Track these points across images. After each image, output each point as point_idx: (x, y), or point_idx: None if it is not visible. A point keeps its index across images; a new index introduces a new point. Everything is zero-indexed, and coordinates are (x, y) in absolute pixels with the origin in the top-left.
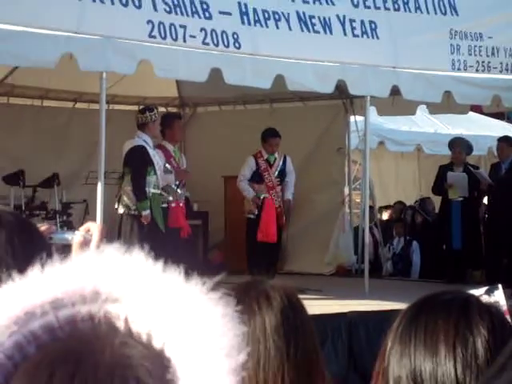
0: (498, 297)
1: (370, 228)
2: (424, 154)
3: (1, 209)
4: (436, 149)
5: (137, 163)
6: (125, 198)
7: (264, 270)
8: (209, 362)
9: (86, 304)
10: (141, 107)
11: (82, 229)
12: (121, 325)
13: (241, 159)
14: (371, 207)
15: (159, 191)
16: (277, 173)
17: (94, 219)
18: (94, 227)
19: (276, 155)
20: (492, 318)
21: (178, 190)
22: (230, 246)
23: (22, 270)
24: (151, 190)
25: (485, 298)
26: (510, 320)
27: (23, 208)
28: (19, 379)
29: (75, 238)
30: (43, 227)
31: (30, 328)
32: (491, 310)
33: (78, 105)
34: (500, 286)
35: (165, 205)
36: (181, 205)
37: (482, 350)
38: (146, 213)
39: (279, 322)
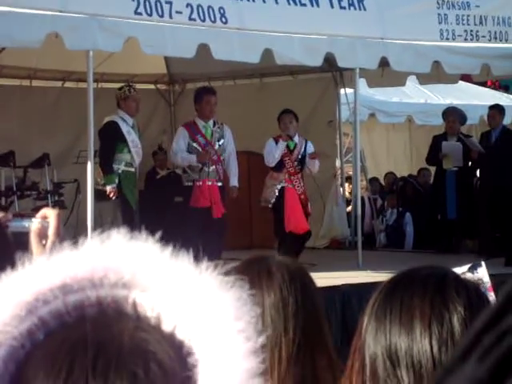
0: (482, 274)
1: (373, 199)
2: (415, 125)
3: None
4: (427, 119)
5: (105, 138)
6: (95, 174)
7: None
8: (227, 345)
9: (94, 289)
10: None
11: (39, 215)
12: (129, 309)
13: (232, 134)
14: (375, 179)
15: (133, 169)
16: (297, 159)
17: (85, 198)
18: (51, 213)
19: (296, 140)
20: (469, 295)
21: (205, 169)
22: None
23: None
24: (122, 167)
25: (468, 275)
26: (493, 297)
27: (14, 189)
28: (36, 369)
29: (32, 225)
30: None
31: (39, 314)
32: (468, 287)
33: (67, 84)
34: (483, 263)
35: (189, 183)
36: (209, 183)
37: (459, 327)
38: (111, 187)
39: (278, 298)
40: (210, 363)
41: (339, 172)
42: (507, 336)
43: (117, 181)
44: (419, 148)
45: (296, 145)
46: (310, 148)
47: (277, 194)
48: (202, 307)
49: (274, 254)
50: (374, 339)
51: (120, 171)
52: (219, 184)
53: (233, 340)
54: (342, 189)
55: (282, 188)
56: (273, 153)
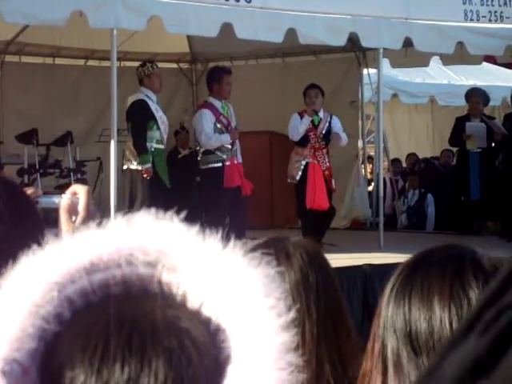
0: None
1: (395, 180)
2: (437, 106)
3: None
4: (450, 100)
5: (137, 117)
6: (127, 153)
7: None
8: (259, 321)
9: (119, 268)
10: None
11: (69, 192)
12: (154, 288)
13: (254, 114)
14: (397, 160)
15: (163, 146)
16: (322, 134)
17: (108, 177)
18: (81, 189)
19: (321, 115)
20: (487, 278)
21: (233, 148)
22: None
23: (10, 235)
24: (154, 145)
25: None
26: None
27: (37, 167)
28: (70, 348)
29: (62, 201)
30: (29, 191)
31: (66, 294)
32: (486, 269)
33: (90, 62)
34: None
35: (219, 164)
36: (235, 163)
37: None
38: (147, 166)
39: (298, 279)
40: (242, 340)
41: (361, 153)
42: (507, 312)
43: (151, 160)
44: (441, 129)
45: (321, 120)
46: (336, 123)
47: (302, 169)
48: (229, 284)
49: (289, 234)
50: (392, 322)
51: (152, 149)
52: (241, 162)
53: (264, 316)
54: (363, 169)
55: (307, 164)
56: (297, 127)
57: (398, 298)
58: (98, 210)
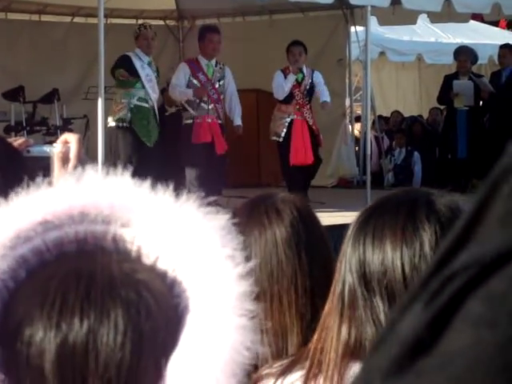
0: None
1: (379, 138)
2: (425, 64)
3: None
4: (437, 58)
5: (114, 67)
6: (113, 108)
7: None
8: (216, 271)
9: (73, 225)
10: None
11: (60, 141)
12: (108, 244)
13: (241, 72)
14: (380, 117)
15: (146, 105)
16: (306, 90)
17: (95, 134)
18: (72, 138)
19: (304, 71)
20: (440, 219)
21: (204, 105)
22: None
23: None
24: (135, 102)
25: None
26: None
27: (24, 124)
28: (27, 304)
29: (54, 149)
30: (19, 141)
31: (20, 252)
32: (439, 211)
33: (76, 19)
34: None
35: (190, 121)
36: (209, 120)
37: (430, 252)
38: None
39: (289, 234)
40: (200, 289)
41: (348, 111)
42: (450, 282)
43: (129, 115)
44: (428, 87)
45: (304, 76)
46: (319, 78)
47: (286, 126)
48: (185, 237)
49: (277, 191)
50: (349, 264)
51: (132, 106)
52: (219, 121)
53: (221, 265)
54: (351, 128)
55: (292, 120)
56: (283, 86)
57: (354, 241)
58: (88, 158)
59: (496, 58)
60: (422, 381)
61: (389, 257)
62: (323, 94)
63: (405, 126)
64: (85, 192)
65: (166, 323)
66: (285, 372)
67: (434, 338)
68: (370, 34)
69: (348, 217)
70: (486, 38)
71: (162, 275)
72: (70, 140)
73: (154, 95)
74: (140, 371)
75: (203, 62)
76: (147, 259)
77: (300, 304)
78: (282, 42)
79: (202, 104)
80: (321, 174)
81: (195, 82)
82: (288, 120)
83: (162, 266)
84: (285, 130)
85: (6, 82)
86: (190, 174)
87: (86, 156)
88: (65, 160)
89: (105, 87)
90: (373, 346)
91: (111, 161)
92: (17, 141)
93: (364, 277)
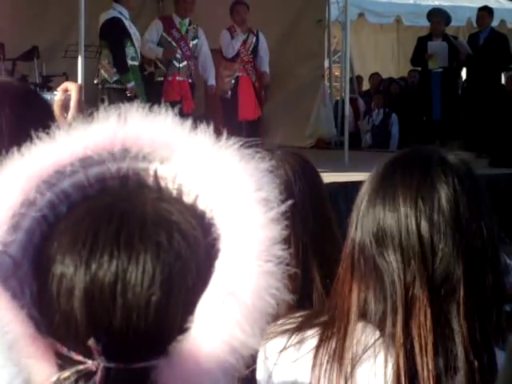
0: None
1: (354, 99)
2: (403, 26)
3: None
4: (415, 20)
5: (114, 36)
6: (102, 72)
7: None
8: (247, 214)
9: (115, 161)
10: None
11: (60, 88)
12: (150, 181)
13: (210, 31)
14: (355, 77)
15: (137, 63)
16: (250, 50)
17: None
18: (72, 86)
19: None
20: (458, 174)
21: (176, 64)
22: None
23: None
24: (129, 61)
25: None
26: None
27: None
28: (61, 240)
29: (55, 97)
30: None
31: (61, 187)
32: (454, 167)
33: None
34: None
35: (160, 78)
36: (179, 79)
37: (447, 206)
38: (131, 85)
39: (282, 192)
40: (231, 232)
41: (327, 72)
42: None
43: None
44: (406, 49)
45: (249, 35)
46: (263, 42)
47: (233, 83)
48: (222, 178)
49: (275, 147)
50: (362, 223)
51: (128, 65)
52: (190, 80)
53: (253, 209)
54: (329, 89)
55: (237, 77)
56: (232, 45)
57: (368, 200)
58: (87, 107)
59: (474, 20)
60: None
61: (404, 214)
62: (263, 63)
63: (383, 88)
64: (126, 129)
65: (196, 267)
66: (300, 328)
67: None
68: None
69: (327, 177)
70: (464, 0)
71: (201, 216)
72: (70, 88)
73: (140, 52)
74: (169, 312)
75: (177, 20)
76: (187, 197)
77: (292, 262)
78: (260, 2)
79: (174, 62)
80: (299, 134)
81: (169, 39)
82: (235, 76)
83: (201, 205)
84: (232, 87)
85: None
86: None
87: (85, 105)
88: (64, 108)
89: (85, 45)
90: None
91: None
92: None
93: (377, 236)
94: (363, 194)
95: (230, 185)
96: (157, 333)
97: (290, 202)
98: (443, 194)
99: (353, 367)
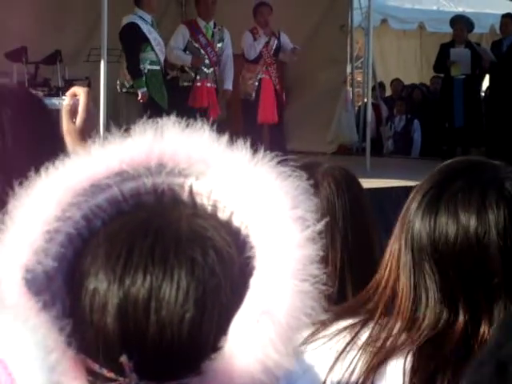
0: None
1: (376, 105)
2: (426, 32)
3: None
4: (438, 26)
5: (128, 41)
6: (121, 76)
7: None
8: (284, 233)
9: (150, 176)
10: None
11: (69, 93)
12: (185, 197)
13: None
14: (379, 84)
15: (158, 67)
16: (273, 51)
17: (97, 97)
18: (81, 91)
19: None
20: (507, 203)
21: (205, 69)
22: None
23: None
24: (147, 66)
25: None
26: None
27: (26, 85)
28: (95, 255)
29: (63, 102)
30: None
31: (96, 201)
32: (508, 198)
33: None
34: None
35: (189, 83)
36: (208, 85)
37: (495, 232)
38: (142, 90)
39: (324, 208)
40: (266, 250)
41: (349, 78)
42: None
43: (145, 83)
44: (429, 55)
45: (271, 37)
46: (285, 39)
47: (257, 85)
48: (258, 195)
49: (321, 161)
50: (420, 221)
51: (146, 70)
52: (215, 86)
53: (289, 227)
54: (351, 95)
55: (260, 79)
56: (254, 46)
57: (424, 214)
58: (96, 112)
59: (497, 27)
60: None
61: (463, 228)
62: (289, 45)
63: (405, 94)
64: (162, 143)
65: (230, 284)
66: (334, 320)
67: None
68: (373, 0)
69: None
70: (487, 6)
71: (236, 232)
72: (78, 93)
73: (162, 56)
74: (202, 330)
75: (202, 23)
76: (222, 214)
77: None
78: (283, 8)
79: (203, 67)
80: (321, 140)
81: (196, 45)
82: (258, 78)
83: (236, 221)
84: (255, 89)
85: (8, 42)
86: None
87: (95, 109)
88: (73, 113)
89: (108, 49)
90: None
91: (116, 125)
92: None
93: (431, 248)
94: (419, 203)
95: (265, 202)
96: (190, 350)
97: (326, 220)
98: (493, 223)
99: (383, 360)
